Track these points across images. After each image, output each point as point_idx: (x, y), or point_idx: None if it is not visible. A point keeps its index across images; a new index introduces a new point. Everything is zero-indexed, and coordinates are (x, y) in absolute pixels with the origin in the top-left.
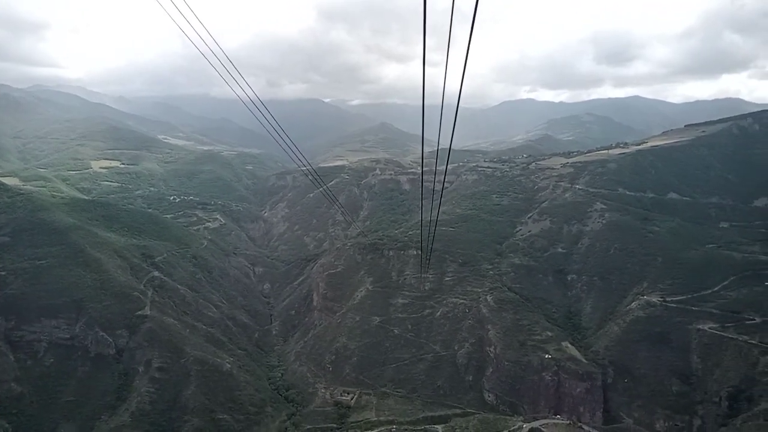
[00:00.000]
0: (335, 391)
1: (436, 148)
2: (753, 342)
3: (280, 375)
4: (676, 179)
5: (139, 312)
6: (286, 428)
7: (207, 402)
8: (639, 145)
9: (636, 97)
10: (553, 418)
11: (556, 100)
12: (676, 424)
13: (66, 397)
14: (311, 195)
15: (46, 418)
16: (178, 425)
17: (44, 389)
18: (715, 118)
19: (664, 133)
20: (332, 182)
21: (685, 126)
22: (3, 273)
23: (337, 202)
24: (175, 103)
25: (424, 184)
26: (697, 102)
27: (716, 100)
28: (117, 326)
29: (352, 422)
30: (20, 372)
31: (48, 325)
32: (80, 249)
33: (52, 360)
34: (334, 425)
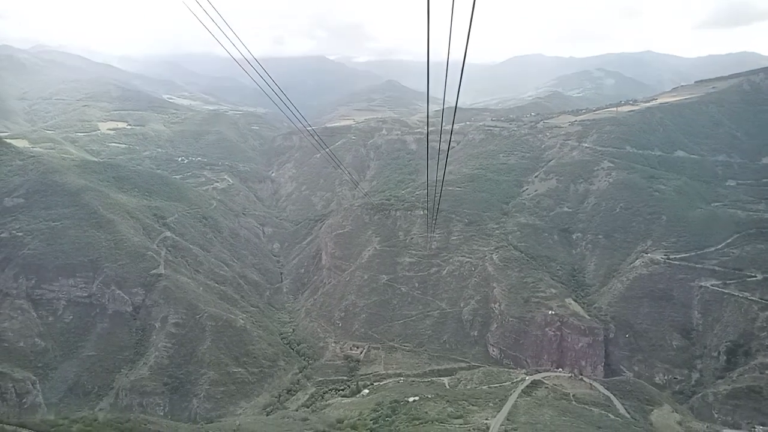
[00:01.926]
0: (345, 346)
1: (442, 107)
2: (753, 298)
3: (291, 330)
4: (684, 137)
5: (154, 271)
6: (298, 380)
7: (222, 356)
8: (648, 102)
9: (648, 52)
10: (555, 371)
11: (567, 54)
12: (675, 378)
13: (87, 352)
14: (318, 155)
15: (69, 372)
16: (194, 378)
17: (66, 344)
18: (729, 73)
19: (673, 90)
20: (339, 142)
21: (695, 82)
22: (20, 234)
23: (341, 166)
24: (180, 61)
25: (430, 143)
26: (711, 56)
27: (730, 54)
28: (133, 285)
29: (361, 375)
30: (43, 328)
31: (66, 284)
32: (93, 210)
33: (71, 317)
34: (345, 377)
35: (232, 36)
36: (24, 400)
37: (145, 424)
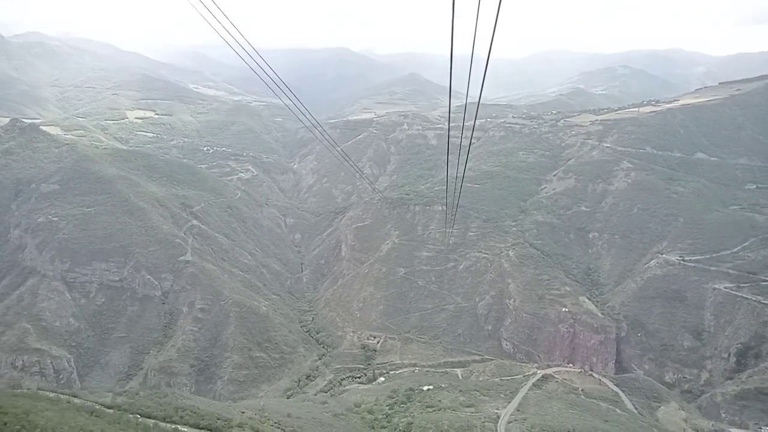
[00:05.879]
0: (362, 335)
1: (464, 102)
2: (766, 302)
3: (311, 319)
4: (705, 139)
5: (182, 258)
6: (317, 367)
7: (245, 341)
8: (670, 103)
9: (676, 50)
10: (566, 367)
11: (592, 50)
12: (684, 377)
13: (118, 333)
14: (339, 148)
15: (101, 351)
16: (219, 361)
17: (98, 325)
18: (757, 74)
19: (696, 91)
20: (360, 136)
21: (719, 84)
22: (56, 219)
23: (355, 166)
24: (205, 51)
25: (450, 139)
26: (740, 55)
27: (762, 53)
28: (162, 270)
29: (378, 363)
30: (76, 309)
31: (99, 267)
32: (125, 198)
33: (103, 299)
34: (362, 366)
35: (242, 29)
36: (60, 377)
37: (182, 399)
